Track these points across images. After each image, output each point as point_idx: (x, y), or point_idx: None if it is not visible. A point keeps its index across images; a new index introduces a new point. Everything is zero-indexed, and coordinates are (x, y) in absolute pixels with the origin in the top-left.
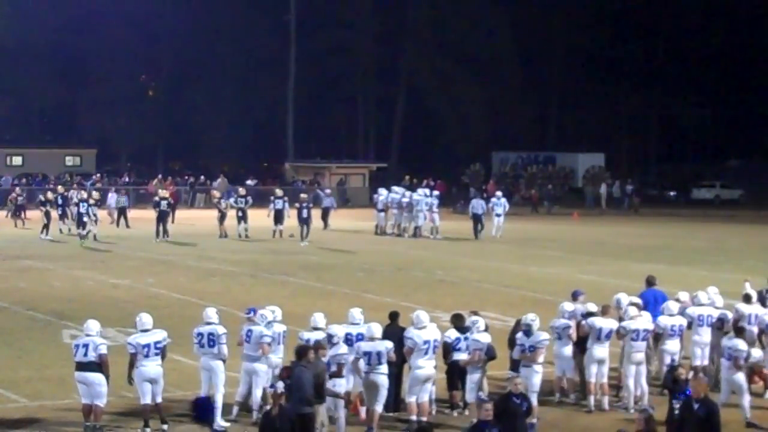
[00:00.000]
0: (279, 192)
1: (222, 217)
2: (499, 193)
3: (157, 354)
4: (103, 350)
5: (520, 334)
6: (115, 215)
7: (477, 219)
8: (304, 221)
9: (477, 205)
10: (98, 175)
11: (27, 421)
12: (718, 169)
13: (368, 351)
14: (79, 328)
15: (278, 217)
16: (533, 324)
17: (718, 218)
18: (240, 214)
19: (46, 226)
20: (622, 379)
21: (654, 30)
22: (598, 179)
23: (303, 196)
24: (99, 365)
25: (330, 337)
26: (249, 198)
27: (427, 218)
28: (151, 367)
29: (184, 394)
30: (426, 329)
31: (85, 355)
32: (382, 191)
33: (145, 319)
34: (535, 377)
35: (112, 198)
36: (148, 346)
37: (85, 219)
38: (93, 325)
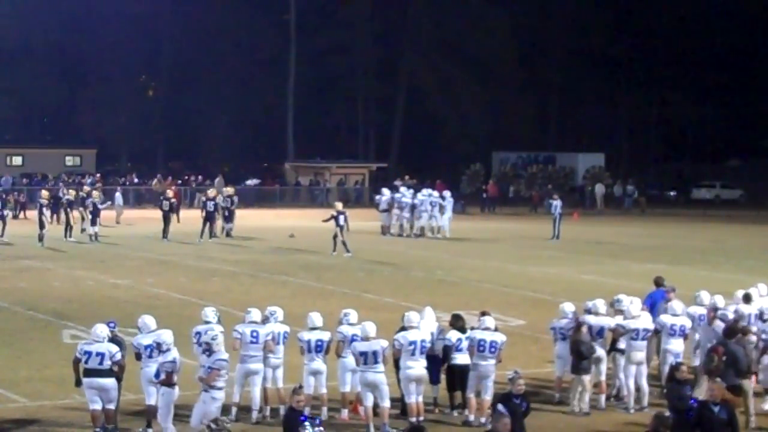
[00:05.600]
0: (211, 194)
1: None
2: (447, 193)
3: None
4: (118, 357)
5: (203, 356)
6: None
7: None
8: (341, 230)
9: (553, 205)
10: (98, 175)
11: (27, 421)
12: (718, 169)
13: (364, 351)
14: (80, 328)
15: (209, 218)
16: (214, 343)
17: (718, 218)
18: (227, 213)
19: (69, 228)
20: (622, 379)
21: (654, 30)
22: (596, 179)
23: (338, 204)
24: (111, 371)
25: (158, 345)
26: (236, 198)
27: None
28: (155, 368)
29: (184, 394)
30: (414, 330)
31: (101, 363)
32: (385, 191)
33: (148, 321)
34: (213, 404)
35: (119, 198)
36: (150, 347)
37: (43, 219)
38: (102, 330)
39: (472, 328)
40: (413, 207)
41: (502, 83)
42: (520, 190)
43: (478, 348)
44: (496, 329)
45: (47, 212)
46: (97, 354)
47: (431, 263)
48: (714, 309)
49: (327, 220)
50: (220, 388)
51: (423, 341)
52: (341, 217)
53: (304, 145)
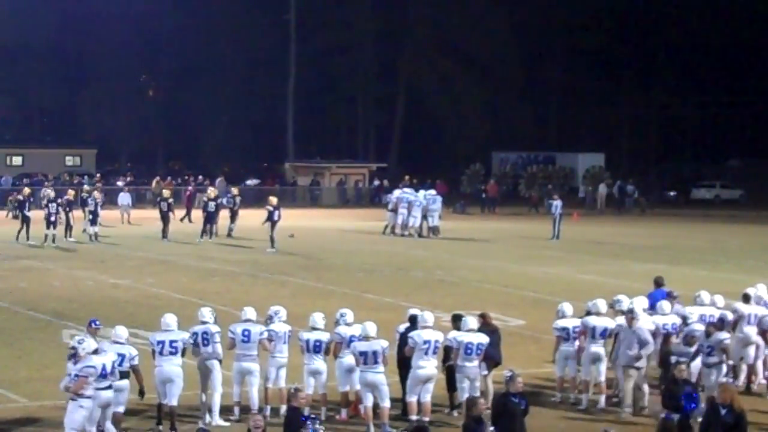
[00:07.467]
0: (212, 194)
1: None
2: (432, 192)
3: (172, 353)
4: (136, 361)
5: (70, 363)
6: (125, 215)
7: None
8: (273, 225)
9: (554, 205)
10: (98, 175)
11: (27, 421)
12: (718, 169)
13: (364, 351)
14: (80, 328)
15: (210, 218)
16: (80, 347)
17: (718, 218)
18: (230, 213)
19: (69, 228)
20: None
21: (654, 30)
22: (597, 179)
23: (272, 199)
24: (127, 373)
25: (171, 342)
26: (238, 198)
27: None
28: (167, 366)
29: (185, 394)
30: (428, 330)
31: (120, 364)
32: (396, 191)
33: (169, 319)
34: (79, 413)
35: (123, 198)
36: (162, 342)
37: (53, 219)
38: (122, 332)
39: (457, 329)
40: (420, 206)
41: (502, 83)
42: (521, 190)
43: (465, 351)
44: (488, 326)
45: (62, 212)
46: (119, 355)
47: (431, 263)
48: (630, 311)
49: (266, 221)
50: (88, 397)
51: (437, 341)
52: (276, 213)
53: (304, 145)
